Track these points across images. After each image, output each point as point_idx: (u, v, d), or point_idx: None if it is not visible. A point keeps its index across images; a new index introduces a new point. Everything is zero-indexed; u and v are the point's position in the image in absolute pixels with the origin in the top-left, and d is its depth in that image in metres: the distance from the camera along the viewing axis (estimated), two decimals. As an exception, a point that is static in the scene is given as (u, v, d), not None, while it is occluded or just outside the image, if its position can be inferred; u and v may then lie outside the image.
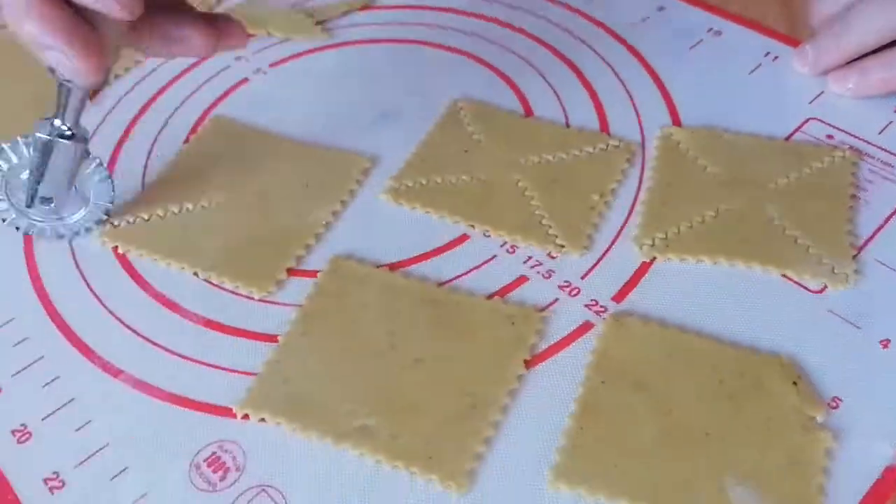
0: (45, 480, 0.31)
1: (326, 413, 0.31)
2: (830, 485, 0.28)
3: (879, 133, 0.39)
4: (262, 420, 0.31)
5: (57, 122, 0.34)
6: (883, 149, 0.39)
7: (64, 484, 0.31)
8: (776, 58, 0.44)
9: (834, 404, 0.30)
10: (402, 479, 0.30)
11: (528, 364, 0.32)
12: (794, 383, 0.31)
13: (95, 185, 0.38)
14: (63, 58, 0.31)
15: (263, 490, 0.30)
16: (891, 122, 0.40)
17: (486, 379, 0.32)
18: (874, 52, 0.40)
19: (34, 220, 0.38)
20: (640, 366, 0.32)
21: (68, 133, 0.34)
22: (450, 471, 0.29)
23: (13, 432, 0.32)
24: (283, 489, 0.30)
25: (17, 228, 0.38)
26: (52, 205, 0.37)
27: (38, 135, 0.34)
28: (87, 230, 0.38)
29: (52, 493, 0.30)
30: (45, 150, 0.35)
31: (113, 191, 0.38)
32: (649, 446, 0.30)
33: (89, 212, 0.38)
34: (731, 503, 0.28)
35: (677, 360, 0.32)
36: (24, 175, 0.36)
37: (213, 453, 0.31)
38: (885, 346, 0.32)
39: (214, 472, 0.30)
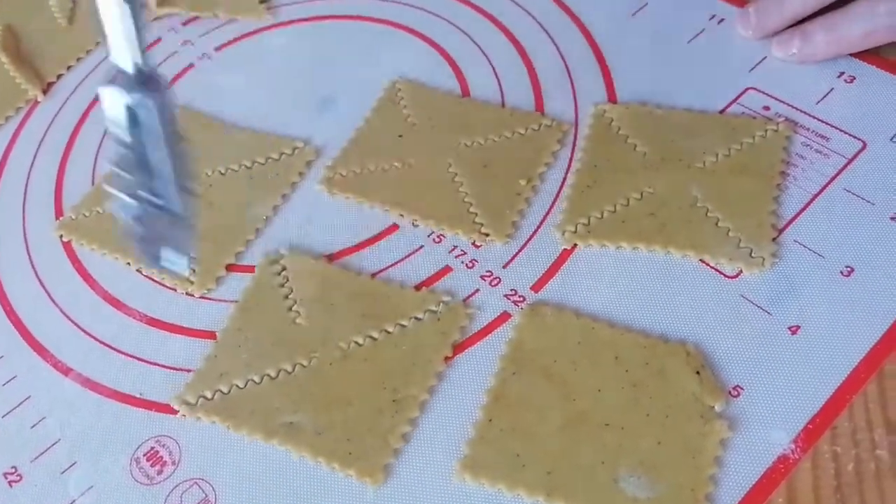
0: (5, 474, 0.34)
1: (256, 410, 0.33)
2: (722, 474, 0.29)
3: (817, 103, 0.38)
4: (198, 418, 0.34)
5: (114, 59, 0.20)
6: (819, 119, 0.38)
7: (21, 477, 0.34)
8: (721, 20, 0.42)
9: (735, 393, 0.31)
10: (324, 472, 0.32)
11: (449, 359, 0.34)
12: (697, 372, 0.32)
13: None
14: None
15: (196, 483, 0.32)
16: (831, 90, 0.39)
17: (408, 375, 0.33)
18: (817, 14, 0.39)
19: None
20: (551, 356, 0.33)
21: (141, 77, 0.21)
22: (367, 466, 0.31)
23: (-23, 429, 0.35)
24: (214, 482, 0.32)
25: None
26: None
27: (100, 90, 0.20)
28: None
29: (11, 487, 0.33)
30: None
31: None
32: (551, 437, 0.31)
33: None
34: (623, 494, 0.29)
35: (587, 349, 0.33)
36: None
37: (152, 448, 0.33)
38: (794, 332, 0.32)
39: (153, 465, 0.33)
